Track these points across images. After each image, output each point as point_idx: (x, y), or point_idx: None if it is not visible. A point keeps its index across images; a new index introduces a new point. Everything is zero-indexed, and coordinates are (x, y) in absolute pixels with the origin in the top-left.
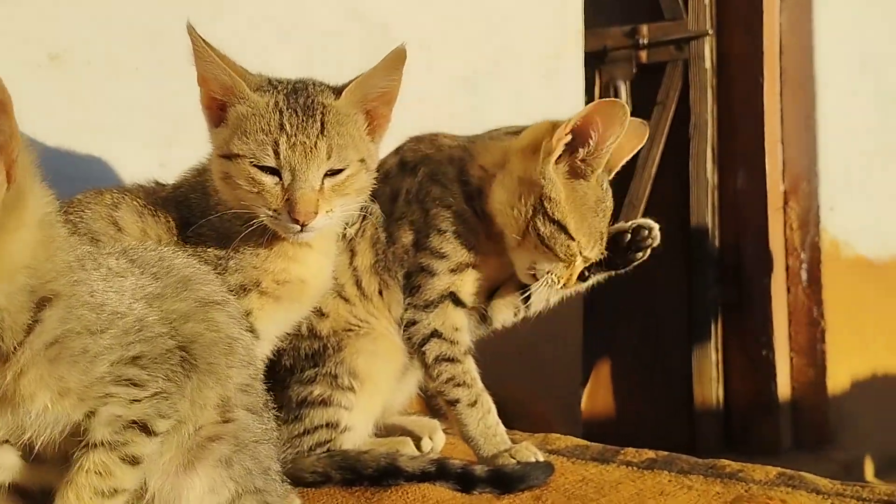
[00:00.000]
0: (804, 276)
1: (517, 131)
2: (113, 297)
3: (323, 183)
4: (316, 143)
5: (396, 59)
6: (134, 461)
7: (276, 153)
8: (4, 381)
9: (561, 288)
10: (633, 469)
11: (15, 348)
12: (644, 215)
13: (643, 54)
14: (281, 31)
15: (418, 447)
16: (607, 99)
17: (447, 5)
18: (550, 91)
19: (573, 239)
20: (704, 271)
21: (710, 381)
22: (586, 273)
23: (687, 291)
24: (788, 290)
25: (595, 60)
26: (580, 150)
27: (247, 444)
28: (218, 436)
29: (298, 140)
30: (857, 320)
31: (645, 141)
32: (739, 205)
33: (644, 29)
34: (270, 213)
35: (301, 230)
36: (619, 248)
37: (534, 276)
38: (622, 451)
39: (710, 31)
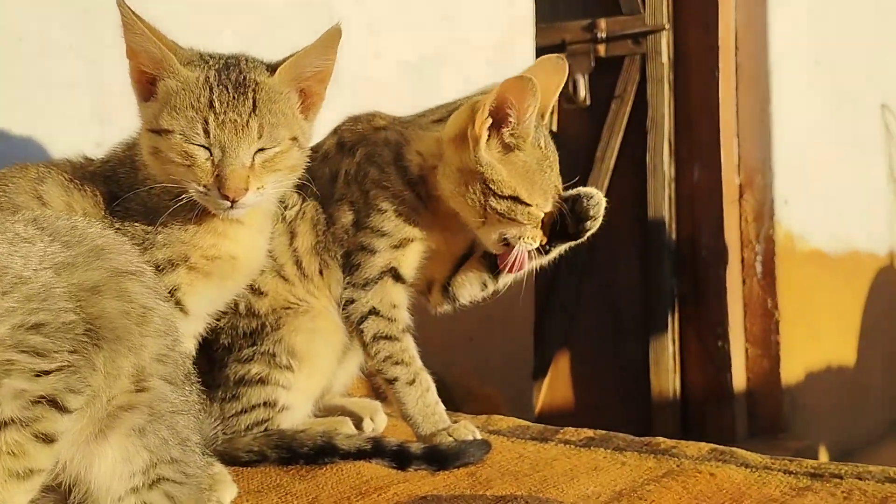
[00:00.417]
0: (759, 268)
1: (441, 118)
2: (18, 262)
3: (254, 159)
4: (248, 121)
5: (332, 39)
6: (48, 439)
7: (206, 131)
8: None
9: (536, 251)
10: (571, 447)
11: None
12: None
13: (601, 48)
14: (224, 12)
15: (360, 429)
16: (513, 76)
17: None
18: (500, 80)
19: (529, 205)
20: (661, 263)
21: (667, 371)
22: (547, 246)
23: (644, 283)
24: (744, 281)
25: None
26: (504, 128)
27: (163, 414)
28: (131, 405)
29: (229, 118)
30: (811, 312)
31: (567, 75)
32: (696, 197)
33: (602, 23)
34: (200, 188)
35: (231, 207)
36: (570, 214)
37: (506, 244)
38: (561, 431)
39: (667, 26)
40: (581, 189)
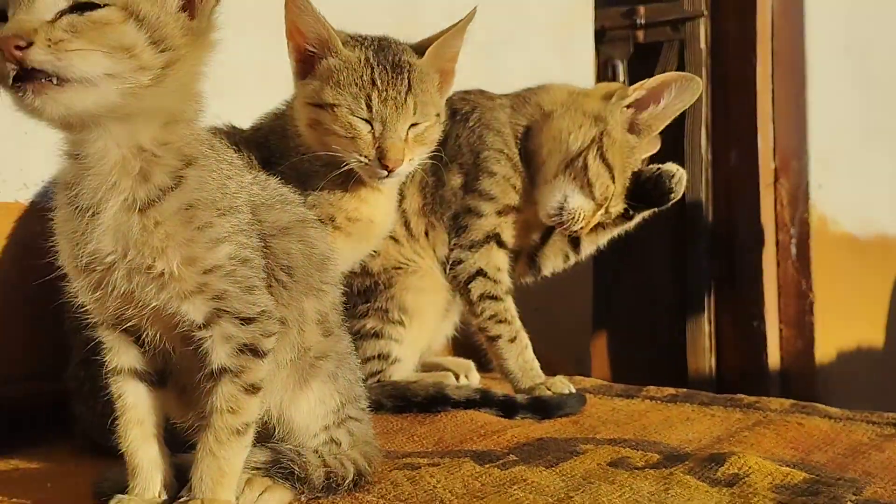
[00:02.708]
0: (794, 250)
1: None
2: (232, 187)
3: (408, 134)
4: (406, 99)
5: (467, 22)
6: (253, 389)
7: (369, 106)
8: (142, 230)
9: (580, 229)
10: (658, 402)
11: (159, 197)
12: None
13: (640, 34)
14: None
15: None
16: (687, 73)
17: None
18: (562, 62)
19: (614, 182)
20: (698, 245)
21: (703, 351)
22: (631, 212)
23: (681, 265)
24: (778, 264)
25: (593, 39)
26: (647, 110)
27: (345, 356)
28: (324, 353)
29: (389, 95)
30: (842, 294)
31: (658, 148)
32: (732, 181)
33: (641, 10)
34: (362, 159)
35: (387, 175)
36: (654, 190)
37: (559, 211)
38: (644, 389)
39: (705, 13)
40: (664, 168)
